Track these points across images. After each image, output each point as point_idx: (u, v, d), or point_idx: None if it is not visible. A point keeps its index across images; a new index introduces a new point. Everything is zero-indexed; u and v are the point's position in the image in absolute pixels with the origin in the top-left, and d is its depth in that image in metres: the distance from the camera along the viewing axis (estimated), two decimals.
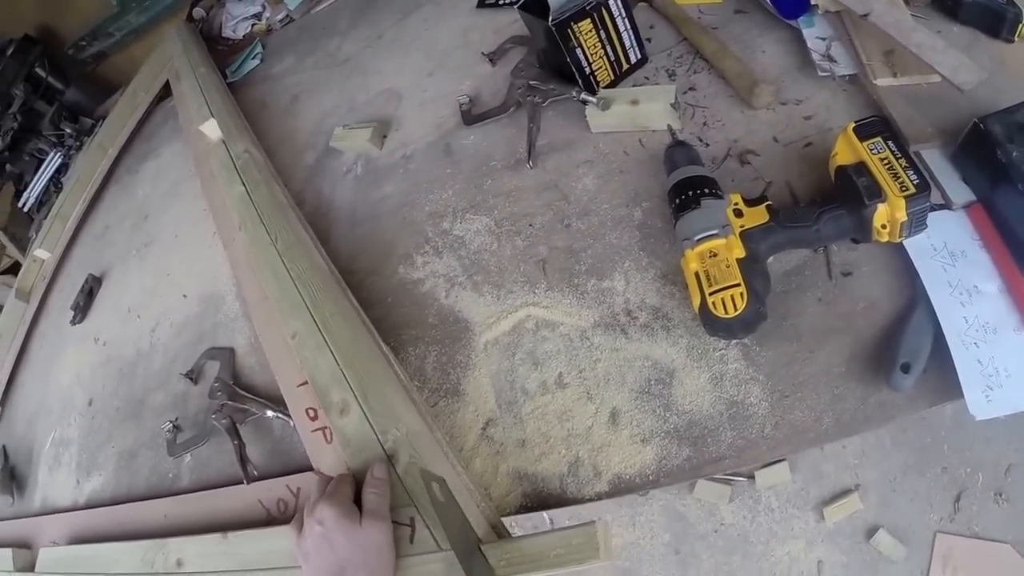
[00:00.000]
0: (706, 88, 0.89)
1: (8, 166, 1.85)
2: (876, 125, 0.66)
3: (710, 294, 0.64)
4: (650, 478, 0.68)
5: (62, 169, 1.85)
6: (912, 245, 0.66)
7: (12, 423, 1.33)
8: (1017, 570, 1.30)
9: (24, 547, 1.05)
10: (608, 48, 0.90)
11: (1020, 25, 0.76)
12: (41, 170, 1.85)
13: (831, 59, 0.83)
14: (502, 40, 1.10)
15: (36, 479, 1.18)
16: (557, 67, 0.94)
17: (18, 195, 1.91)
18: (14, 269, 2.08)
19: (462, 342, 0.84)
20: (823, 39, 0.85)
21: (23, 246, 1.88)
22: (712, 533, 1.56)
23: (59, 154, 1.84)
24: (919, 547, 1.39)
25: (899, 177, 0.62)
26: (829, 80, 0.81)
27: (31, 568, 1.00)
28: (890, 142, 0.64)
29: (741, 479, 1.57)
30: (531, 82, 0.96)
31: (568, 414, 0.75)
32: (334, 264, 0.96)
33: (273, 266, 0.94)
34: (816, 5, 0.85)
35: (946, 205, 0.68)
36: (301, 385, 0.84)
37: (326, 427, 0.79)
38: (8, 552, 1.02)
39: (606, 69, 0.92)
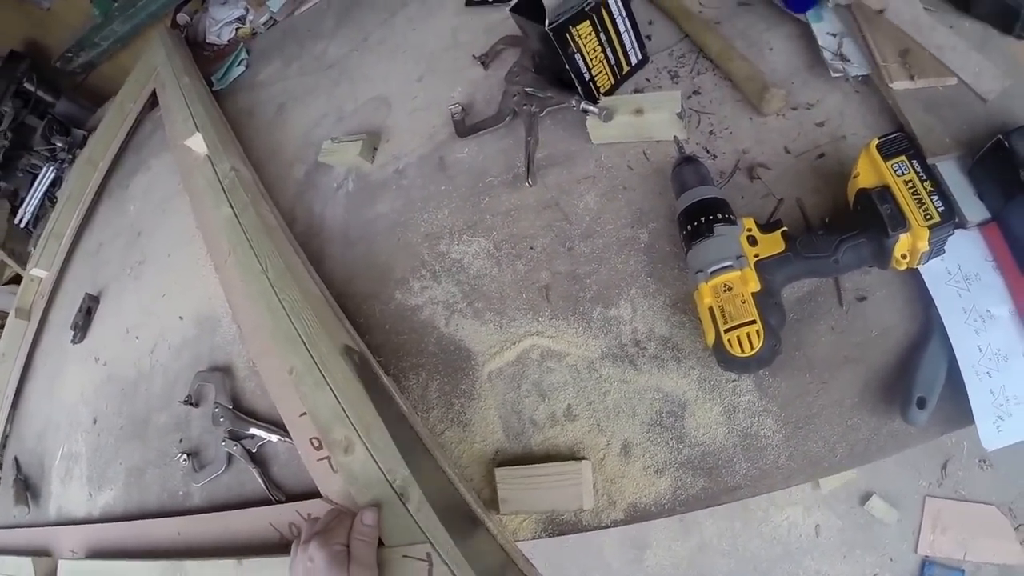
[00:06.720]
0: (712, 92, 0.83)
1: (1, 184, 1.83)
2: (900, 142, 0.62)
3: (725, 331, 0.61)
4: (666, 507, 0.68)
5: (56, 183, 1.83)
6: (927, 270, 0.64)
7: (22, 437, 1.36)
8: (1001, 528, 1.41)
9: (44, 555, 1.09)
10: (608, 51, 0.85)
11: None
12: (35, 185, 1.83)
13: (843, 58, 0.78)
14: (494, 40, 1.05)
15: (50, 490, 1.22)
16: (553, 72, 0.89)
17: (14, 211, 1.89)
18: (18, 279, 2.09)
19: (465, 372, 0.82)
20: (834, 35, 0.80)
21: (23, 261, 1.88)
22: None
23: (52, 168, 1.82)
24: (910, 510, 1.48)
25: (923, 204, 0.59)
26: (841, 81, 0.77)
27: None
28: (915, 162, 0.61)
29: None
30: (527, 89, 0.91)
31: (579, 446, 0.73)
32: (329, 288, 0.94)
33: (265, 296, 0.91)
34: None
35: (960, 224, 0.64)
36: (303, 415, 0.83)
37: (331, 456, 0.77)
38: (28, 561, 1.07)
39: (606, 73, 0.87)
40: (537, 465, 0.71)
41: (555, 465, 0.70)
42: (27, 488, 1.25)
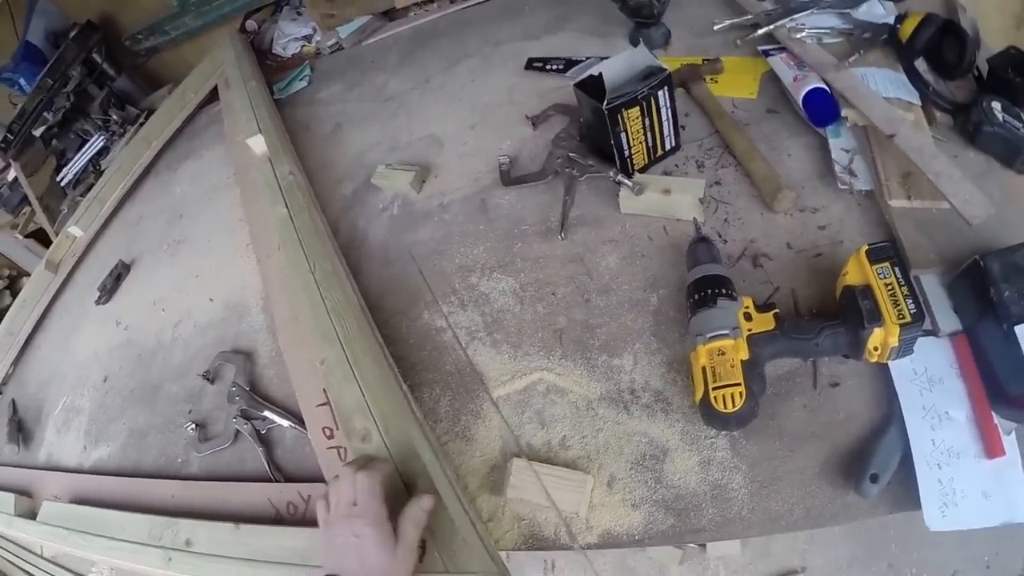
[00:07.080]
0: (731, 184, 0.95)
1: (55, 141, 1.92)
2: (887, 250, 0.71)
3: (713, 389, 0.70)
4: (636, 538, 0.74)
5: (102, 152, 1.92)
6: (896, 367, 0.71)
7: (25, 382, 1.40)
8: None
9: (26, 495, 1.11)
10: (649, 134, 0.96)
11: None
12: (83, 150, 1.93)
13: (852, 173, 0.88)
14: (545, 105, 1.17)
15: (43, 436, 1.25)
16: (596, 143, 1.00)
17: (58, 169, 1.98)
18: (37, 234, 2.16)
19: (475, 393, 0.89)
20: (847, 151, 0.91)
21: (54, 217, 1.95)
22: None
23: (102, 137, 1.92)
24: None
25: (899, 304, 0.67)
26: (847, 192, 0.87)
27: (32, 516, 1.06)
28: (897, 268, 0.69)
29: (693, 546, 1.59)
30: (570, 154, 1.02)
31: None
32: (364, 299, 1.02)
33: (309, 293, 0.99)
34: (846, 117, 0.92)
35: (933, 332, 0.73)
36: (320, 405, 0.90)
37: (342, 446, 0.85)
38: (10, 497, 1.09)
39: (643, 153, 0.98)
40: (551, 465, 0.79)
41: (566, 470, 0.78)
42: (20, 430, 1.28)
